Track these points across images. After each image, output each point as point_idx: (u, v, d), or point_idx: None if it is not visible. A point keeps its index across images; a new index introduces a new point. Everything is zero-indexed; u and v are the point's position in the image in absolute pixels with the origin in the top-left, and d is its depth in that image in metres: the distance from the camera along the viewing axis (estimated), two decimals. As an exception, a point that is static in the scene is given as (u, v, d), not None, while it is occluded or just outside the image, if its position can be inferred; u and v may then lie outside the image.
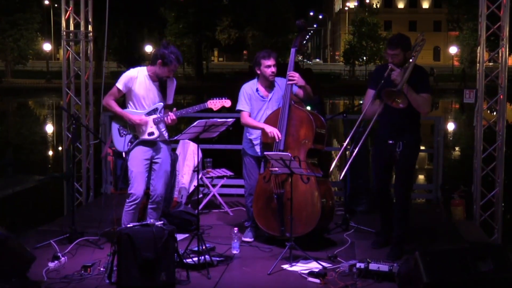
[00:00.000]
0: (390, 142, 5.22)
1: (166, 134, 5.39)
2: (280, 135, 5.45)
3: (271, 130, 5.45)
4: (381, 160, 5.37)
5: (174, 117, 5.22)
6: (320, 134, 5.51)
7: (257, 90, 5.66)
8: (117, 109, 5.28)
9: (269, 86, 5.68)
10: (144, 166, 5.28)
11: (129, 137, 5.28)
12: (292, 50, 5.69)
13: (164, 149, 5.37)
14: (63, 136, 7.55)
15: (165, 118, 5.23)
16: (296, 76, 5.52)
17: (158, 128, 5.29)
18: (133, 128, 5.30)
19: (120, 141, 5.30)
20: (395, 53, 5.06)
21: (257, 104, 5.66)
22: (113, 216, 5.67)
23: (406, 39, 5.17)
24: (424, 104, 5.06)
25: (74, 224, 5.72)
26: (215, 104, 5.27)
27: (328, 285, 4.61)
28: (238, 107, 5.66)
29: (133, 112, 5.28)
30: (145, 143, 5.30)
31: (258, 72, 5.63)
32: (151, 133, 5.28)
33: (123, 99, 5.34)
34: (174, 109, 5.27)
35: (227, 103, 5.29)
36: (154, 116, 5.28)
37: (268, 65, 5.56)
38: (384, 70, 5.16)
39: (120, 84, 5.25)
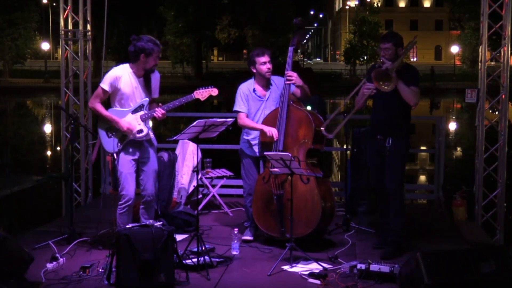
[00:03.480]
0: (379, 137, 5.29)
1: (151, 132, 5.33)
2: (277, 135, 5.41)
3: (269, 129, 5.43)
4: (373, 156, 5.43)
5: (163, 111, 5.15)
6: (320, 134, 5.47)
7: (254, 90, 5.63)
8: (104, 112, 5.17)
9: (266, 85, 5.65)
10: (133, 167, 5.23)
11: (117, 138, 5.20)
12: (290, 49, 5.64)
13: (149, 148, 5.31)
14: (62, 136, 7.53)
15: (154, 114, 5.16)
16: (294, 76, 5.49)
17: (146, 125, 5.23)
18: (120, 129, 5.22)
19: (109, 142, 5.22)
20: (386, 47, 5.25)
21: (255, 104, 5.63)
22: (112, 217, 5.63)
23: (398, 36, 5.39)
24: (412, 95, 5.21)
25: (72, 225, 5.69)
26: (202, 94, 5.21)
27: (329, 286, 4.58)
28: (235, 108, 5.63)
29: (119, 112, 5.18)
30: (133, 143, 5.23)
31: (254, 71, 5.61)
32: (140, 131, 5.19)
33: (107, 99, 5.26)
34: (160, 104, 5.19)
35: (214, 91, 5.22)
36: (141, 112, 5.19)
37: (264, 62, 5.54)
38: None
39: (105, 85, 5.14)
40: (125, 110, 5.19)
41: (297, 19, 5.71)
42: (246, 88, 5.65)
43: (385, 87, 5.07)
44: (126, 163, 5.20)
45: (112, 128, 5.19)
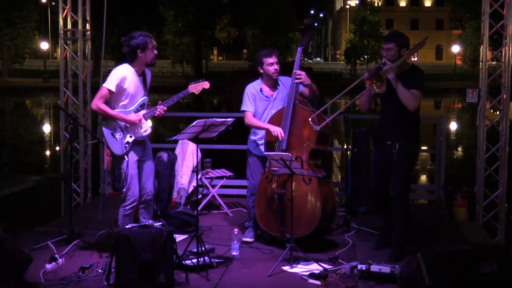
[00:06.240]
0: (388, 142, 5.23)
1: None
2: (283, 134, 5.42)
3: (275, 129, 5.45)
4: (380, 160, 5.36)
5: (165, 108, 5.18)
6: (324, 134, 5.46)
7: (261, 90, 5.66)
8: (111, 112, 5.11)
9: (273, 85, 5.67)
10: (137, 168, 5.22)
11: (124, 139, 5.18)
12: (299, 49, 5.69)
13: (148, 146, 5.33)
14: (61, 136, 7.50)
15: (155, 111, 5.16)
16: (303, 75, 5.52)
17: (148, 124, 5.23)
18: (127, 129, 5.18)
19: (117, 144, 5.16)
20: (389, 47, 5.14)
21: (262, 104, 5.65)
22: (112, 218, 5.61)
23: (402, 36, 5.22)
24: (410, 99, 5.06)
25: (71, 225, 5.68)
26: (196, 87, 5.27)
27: (329, 287, 4.57)
28: (242, 107, 5.67)
29: (125, 112, 5.16)
30: (137, 143, 5.21)
31: (261, 71, 5.64)
32: (146, 130, 5.20)
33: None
34: (160, 102, 5.20)
35: (206, 84, 5.29)
36: (143, 111, 5.19)
37: (271, 63, 5.56)
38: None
39: (111, 85, 5.06)
40: (127, 110, 5.17)
41: (307, 19, 5.79)
42: (253, 88, 5.68)
43: (376, 88, 4.98)
44: (132, 164, 5.19)
45: (118, 129, 5.15)
